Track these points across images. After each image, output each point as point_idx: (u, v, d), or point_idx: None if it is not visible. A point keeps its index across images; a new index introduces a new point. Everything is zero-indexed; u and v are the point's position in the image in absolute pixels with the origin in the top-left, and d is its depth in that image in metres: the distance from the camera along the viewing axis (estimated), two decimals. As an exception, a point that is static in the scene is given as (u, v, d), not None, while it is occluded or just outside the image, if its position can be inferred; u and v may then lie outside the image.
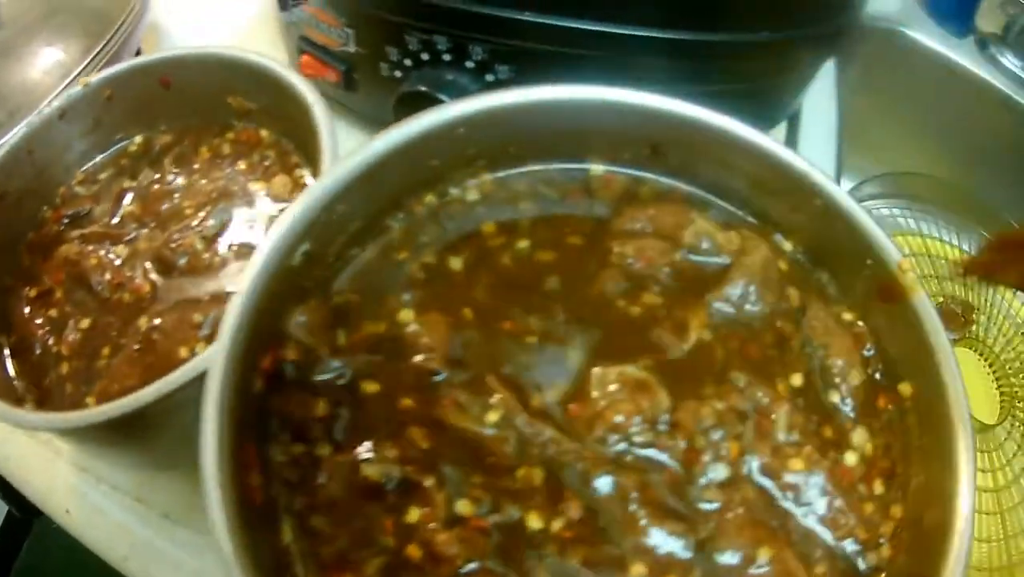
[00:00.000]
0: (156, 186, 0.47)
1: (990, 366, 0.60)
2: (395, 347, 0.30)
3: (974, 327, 0.61)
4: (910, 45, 0.66)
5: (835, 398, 0.31)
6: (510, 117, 0.32)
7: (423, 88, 0.42)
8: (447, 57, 0.42)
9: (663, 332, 0.30)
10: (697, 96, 0.47)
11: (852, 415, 0.31)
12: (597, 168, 0.34)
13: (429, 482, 0.27)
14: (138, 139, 0.49)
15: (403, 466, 0.27)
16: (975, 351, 0.60)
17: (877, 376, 0.31)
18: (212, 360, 0.25)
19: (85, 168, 0.49)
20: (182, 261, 0.43)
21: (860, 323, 0.32)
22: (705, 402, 0.29)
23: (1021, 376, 0.60)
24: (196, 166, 0.46)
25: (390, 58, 0.44)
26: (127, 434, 0.37)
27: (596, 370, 0.29)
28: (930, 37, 0.67)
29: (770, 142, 0.32)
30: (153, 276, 0.43)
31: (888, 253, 0.31)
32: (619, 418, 0.28)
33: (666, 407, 0.29)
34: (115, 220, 0.47)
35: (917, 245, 0.63)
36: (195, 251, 0.42)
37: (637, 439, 0.28)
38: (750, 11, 0.45)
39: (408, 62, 0.43)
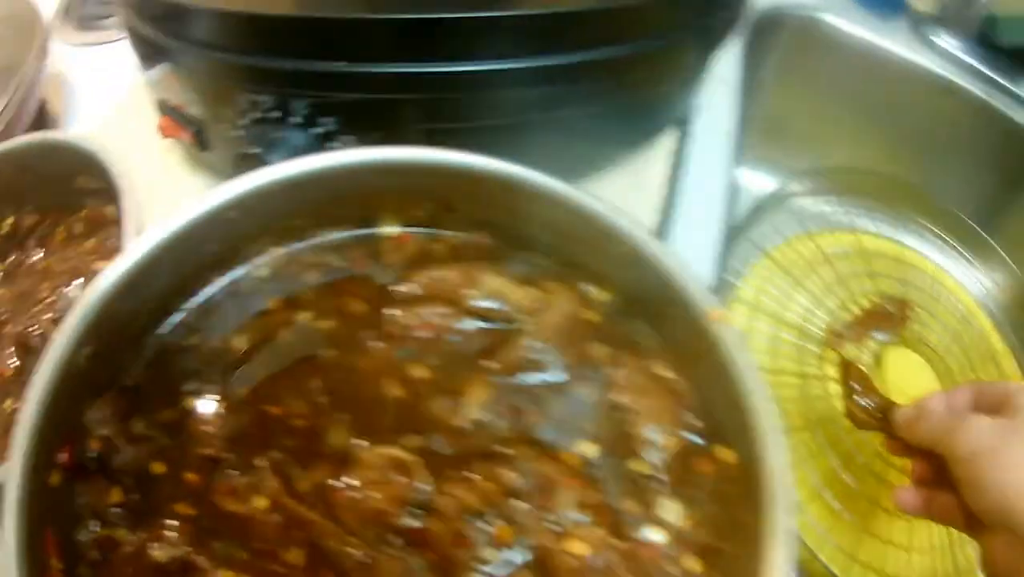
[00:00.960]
0: (21, 267, 0.47)
1: (933, 367, 0.55)
2: (182, 434, 0.29)
3: (915, 326, 0.56)
4: (832, 32, 0.62)
5: (642, 467, 0.28)
6: (284, 192, 0.30)
7: (253, 150, 0.40)
8: (274, 115, 0.40)
9: (437, 407, 0.28)
10: (564, 121, 0.45)
11: (664, 485, 0.28)
12: (388, 230, 0.32)
13: (205, 563, 0.26)
14: (9, 220, 0.49)
15: (184, 548, 0.27)
16: (917, 352, 0.56)
17: (698, 439, 0.28)
18: (7, 468, 0.26)
19: (-35, 253, 0.50)
20: (38, 344, 0.42)
21: (681, 379, 0.29)
22: (474, 484, 0.27)
23: (967, 374, 0.56)
24: (54, 247, 0.46)
25: (227, 118, 0.42)
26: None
27: (359, 452, 0.28)
28: (853, 22, 0.63)
29: (564, 188, 0.30)
30: (15, 360, 0.43)
31: (696, 300, 0.28)
32: (377, 503, 0.27)
33: (427, 490, 0.27)
34: (-15, 304, 0.47)
35: (849, 242, 0.59)
36: (48, 334, 0.42)
37: (397, 523, 0.26)
38: (607, 26, 0.42)
39: (243, 121, 0.42)
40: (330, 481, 0.27)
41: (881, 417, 0.48)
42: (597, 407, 0.29)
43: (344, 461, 0.28)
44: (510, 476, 0.27)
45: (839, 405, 0.51)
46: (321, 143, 0.41)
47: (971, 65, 0.62)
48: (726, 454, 0.27)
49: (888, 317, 0.55)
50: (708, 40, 0.47)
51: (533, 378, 0.29)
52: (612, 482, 0.27)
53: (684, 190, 0.44)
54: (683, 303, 0.28)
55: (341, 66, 0.38)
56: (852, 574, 0.49)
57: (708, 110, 0.51)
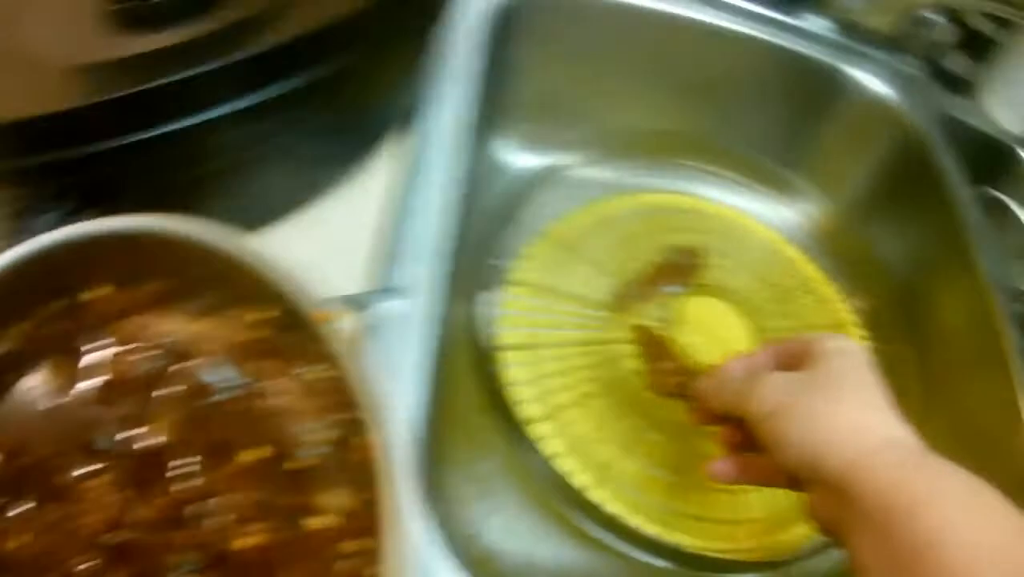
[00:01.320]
0: None
1: (740, 309, 0.58)
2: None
3: (713, 272, 0.58)
4: (587, 2, 0.62)
5: (307, 462, 0.32)
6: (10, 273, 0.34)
7: (20, 233, 0.45)
8: (27, 202, 0.45)
9: (132, 438, 0.33)
10: (283, 148, 0.48)
11: (328, 476, 0.32)
12: (98, 292, 0.36)
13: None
14: None
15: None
16: (719, 297, 0.58)
17: (351, 431, 0.32)
18: None
19: None
20: None
21: (332, 378, 0.33)
22: (161, 499, 0.31)
23: (782, 307, 0.58)
24: None
25: (5, 209, 0.48)
26: None
27: (79, 484, 0.32)
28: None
29: (199, 231, 0.34)
30: None
31: (309, 309, 0.33)
32: (92, 526, 0.31)
33: (131, 509, 0.31)
34: None
35: (631, 203, 0.61)
36: None
37: (110, 541, 0.31)
38: (306, 51, 0.45)
39: (17, 209, 0.47)
40: (62, 512, 0.32)
41: (682, 383, 0.49)
42: (265, 414, 0.33)
43: (71, 494, 0.32)
44: (191, 487, 0.32)
45: (633, 365, 0.54)
46: (71, 218, 0.46)
47: (740, 6, 0.65)
48: (372, 440, 0.31)
49: (678, 269, 0.57)
50: (409, 42, 0.49)
51: (211, 398, 0.34)
52: (280, 479, 0.32)
53: (415, 187, 0.47)
54: (305, 316, 0.33)
55: (67, 152, 0.43)
56: (678, 528, 0.50)
57: (441, 105, 0.52)
